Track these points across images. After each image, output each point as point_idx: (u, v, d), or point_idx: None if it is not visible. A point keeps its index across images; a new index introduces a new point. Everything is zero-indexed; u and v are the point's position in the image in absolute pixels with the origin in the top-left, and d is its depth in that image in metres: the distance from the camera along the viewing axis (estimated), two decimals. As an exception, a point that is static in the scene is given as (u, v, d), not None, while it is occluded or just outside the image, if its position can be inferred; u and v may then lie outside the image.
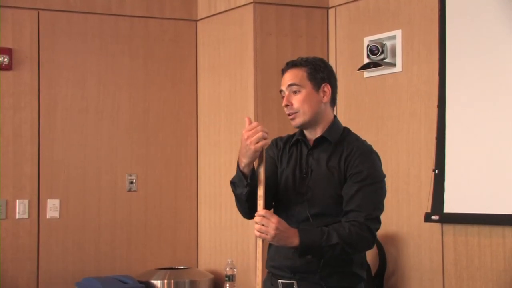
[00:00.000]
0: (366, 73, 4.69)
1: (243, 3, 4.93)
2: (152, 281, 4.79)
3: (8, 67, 4.86)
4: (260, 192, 2.64)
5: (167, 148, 5.23)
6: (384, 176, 2.78)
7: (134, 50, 5.19)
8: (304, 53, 4.92)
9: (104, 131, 5.09)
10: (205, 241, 5.22)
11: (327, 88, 2.79)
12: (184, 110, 5.29)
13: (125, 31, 5.17)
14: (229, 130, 5.03)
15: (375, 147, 2.85)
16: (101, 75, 5.11)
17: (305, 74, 2.77)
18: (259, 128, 2.62)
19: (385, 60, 4.54)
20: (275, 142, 2.92)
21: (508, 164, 3.84)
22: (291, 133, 2.94)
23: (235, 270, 4.67)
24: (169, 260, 5.18)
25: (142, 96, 5.20)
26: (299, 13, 4.96)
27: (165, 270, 4.93)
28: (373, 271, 4.47)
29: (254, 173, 2.66)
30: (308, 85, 2.76)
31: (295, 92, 2.76)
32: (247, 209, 2.75)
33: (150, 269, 5.01)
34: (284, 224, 2.59)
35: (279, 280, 2.78)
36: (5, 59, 4.84)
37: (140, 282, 4.77)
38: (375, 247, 4.46)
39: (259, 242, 2.62)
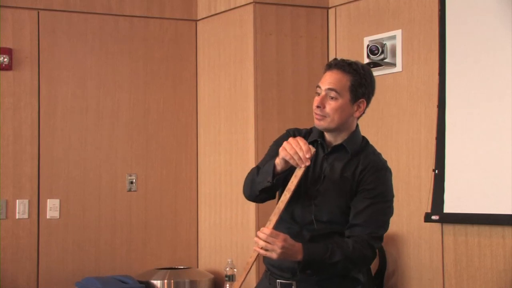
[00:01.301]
0: (366, 73, 4.69)
1: (243, 3, 4.92)
2: (152, 281, 4.79)
3: (8, 67, 4.86)
4: (292, 187, 2.59)
5: (167, 148, 5.23)
6: (393, 195, 2.79)
7: (134, 50, 5.19)
8: (304, 53, 4.93)
9: (104, 131, 5.09)
10: (205, 241, 5.22)
11: (362, 105, 2.76)
12: (184, 110, 5.29)
13: (125, 31, 5.17)
14: (229, 130, 5.03)
15: (375, 147, 2.85)
16: (101, 75, 5.11)
17: (348, 84, 2.70)
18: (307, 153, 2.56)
19: (385, 60, 4.54)
20: (292, 132, 2.85)
21: (508, 164, 3.85)
22: None
23: (235, 270, 4.66)
24: (169, 260, 5.18)
25: (142, 96, 5.20)
26: (299, 13, 4.96)
27: (165, 270, 4.92)
28: (373, 271, 4.47)
29: (282, 176, 2.62)
30: (347, 96, 2.70)
31: (331, 98, 2.70)
32: (254, 195, 2.72)
33: (150, 269, 5.01)
34: (290, 241, 2.56)
35: (277, 280, 2.78)
36: (5, 59, 4.84)
37: (140, 282, 4.77)
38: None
39: (254, 254, 2.60)
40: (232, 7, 5.02)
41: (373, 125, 4.62)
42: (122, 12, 5.16)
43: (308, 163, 2.57)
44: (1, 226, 4.81)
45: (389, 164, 4.37)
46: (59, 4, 5.01)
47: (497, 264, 3.94)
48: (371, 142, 2.86)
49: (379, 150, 2.86)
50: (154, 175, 5.19)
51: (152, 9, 5.24)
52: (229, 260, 4.71)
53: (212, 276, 4.96)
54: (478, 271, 4.03)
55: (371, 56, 4.55)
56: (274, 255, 2.54)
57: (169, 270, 4.92)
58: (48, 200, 4.92)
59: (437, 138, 4.21)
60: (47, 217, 4.91)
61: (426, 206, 4.23)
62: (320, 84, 2.72)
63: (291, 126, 2.88)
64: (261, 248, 2.54)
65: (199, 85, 5.31)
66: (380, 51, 4.52)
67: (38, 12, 4.97)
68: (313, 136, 2.81)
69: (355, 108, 2.74)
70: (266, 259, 2.82)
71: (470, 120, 4.08)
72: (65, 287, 4.88)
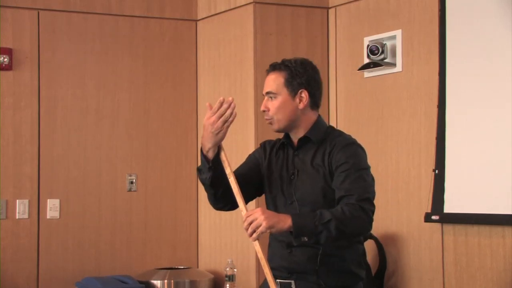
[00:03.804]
0: (366, 73, 4.69)
1: (243, 3, 4.92)
2: (152, 281, 4.79)
3: (8, 67, 4.86)
4: (228, 170, 2.70)
5: (167, 148, 5.23)
6: (368, 166, 2.80)
7: (134, 50, 5.19)
8: (304, 53, 4.93)
9: (104, 131, 5.09)
10: (205, 241, 5.22)
11: (304, 94, 2.81)
12: (184, 110, 5.29)
13: (125, 31, 5.17)
14: (229, 130, 5.00)
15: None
16: (101, 75, 5.11)
17: (282, 80, 2.80)
18: (225, 113, 2.68)
19: (385, 60, 4.54)
20: (264, 145, 2.97)
21: (508, 164, 3.85)
22: None
23: (235, 270, 4.66)
24: (169, 260, 5.18)
25: (142, 96, 5.20)
26: (299, 13, 4.96)
27: (165, 270, 4.92)
28: (373, 271, 4.47)
29: (218, 159, 2.71)
30: (284, 92, 2.80)
31: (271, 99, 2.81)
32: (213, 196, 2.80)
33: (150, 269, 5.01)
34: (269, 211, 2.64)
35: (277, 280, 2.77)
36: (5, 59, 4.84)
37: (140, 282, 4.77)
38: (375, 248, 4.46)
39: (257, 247, 2.62)
40: (232, 7, 5.02)
41: (373, 125, 4.62)
42: (122, 12, 5.16)
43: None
44: (1, 226, 4.81)
45: (389, 164, 4.38)
46: (59, 4, 5.01)
47: (497, 264, 3.94)
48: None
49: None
50: (154, 175, 5.19)
51: (152, 9, 5.24)
52: (229, 260, 4.70)
53: (212, 276, 4.97)
54: (478, 271, 4.03)
55: (371, 56, 4.55)
56: (263, 227, 2.55)
57: (169, 270, 4.92)
58: (48, 200, 4.92)
59: (437, 138, 4.21)
60: (47, 217, 4.91)
61: (426, 206, 4.22)
62: (263, 91, 2.85)
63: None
64: (251, 233, 2.58)
65: (199, 85, 5.32)
66: (380, 51, 4.52)
67: (38, 12, 4.97)
68: (281, 141, 2.91)
69: (298, 100, 2.81)
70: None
71: (470, 120, 4.08)
72: (65, 287, 4.88)
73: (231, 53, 5.04)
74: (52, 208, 4.92)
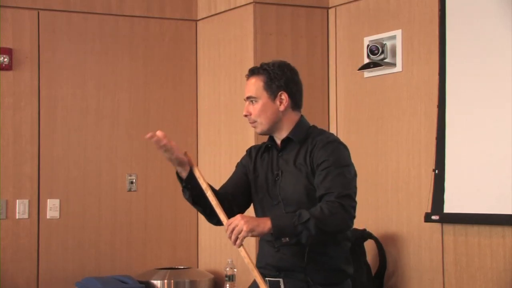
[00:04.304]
0: (366, 73, 4.69)
1: (243, 3, 4.93)
2: (152, 281, 4.79)
3: (8, 67, 4.86)
4: (204, 185, 2.77)
5: (167, 148, 5.22)
6: (350, 162, 2.81)
7: (134, 50, 5.19)
8: (304, 53, 4.94)
9: (104, 131, 5.09)
10: (205, 241, 5.22)
11: (284, 96, 2.85)
12: (184, 110, 5.29)
13: (125, 31, 5.17)
14: (229, 130, 5.03)
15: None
16: (101, 75, 5.11)
17: (261, 84, 2.86)
18: (159, 141, 2.88)
19: (385, 60, 4.54)
20: (249, 151, 3.02)
21: (508, 164, 3.85)
22: None
23: (235, 270, 4.66)
24: (169, 260, 5.18)
25: (142, 96, 5.20)
26: (299, 13, 4.96)
27: (165, 270, 4.92)
28: (373, 271, 4.47)
29: (192, 177, 2.79)
30: (264, 95, 2.86)
31: (252, 103, 2.88)
32: (203, 213, 2.89)
33: (150, 269, 5.01)
34: (248, 216, 2.67)
35: (266, 278, 2.81)
36: (5, 59, 4.84)
37: (140, 282, 4.77)
38: (375, 247, 4.46)
39: (242, 253, 2.65)
40: (232, 7, 5.02)
41: (373, 125, 4.62)
42: (122, 12, 5.16)
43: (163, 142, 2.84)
44: (1, 226, 4.81)
45: (389, 164, 4.37)
46: (59, 4, 5.01)
47: (497, 264, 3.94)
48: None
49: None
50: (154, 175, 5.19)
51: (152, 9, 5.24)
52: (229, 260, 4.70)
53: (212, 276, 4.97)
54: (478, 271, 4.03)
55: (371, 56, 4.55)
56: (244, 231, 2.59)
57: (169, 270, 4.92)
58: (48, 200, 4.92)
59: (437, 138, 4.21)
60: (47, 217, 4.91)
61: (426, 206, 4.22)
62: (244, 97, 2.91)
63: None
64: (234, 240, 2.62)
65: (199, 85, 5.32)
66: (380, 51, 4.52)
67: (38, 12, 4.97)
68: (266, 144, 2.95)
69: (278, 102, 2.86)
70: (256, 264, 2.86)
71: (470, 120, 4.08)
72: (65, 287, 4.88)
73: (231, 53, 5.04)
74: (52, 208, 4.92)
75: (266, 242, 2.85)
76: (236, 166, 3.04)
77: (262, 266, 2.83)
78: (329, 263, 2.78)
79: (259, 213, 2.90)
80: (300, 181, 2.78)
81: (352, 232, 4.48)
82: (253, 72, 2.90)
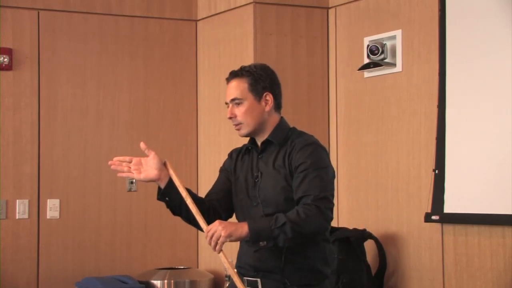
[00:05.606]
0: (366, 73, 4.69)
1: (243, 3, 4.93)
2: (152, 281, 4.79)
3: (8, 67, 4.86)
4: (184, 193, 2.80)
5: (167, 148, 5.22)
6: (328, 164, 2.82)
7: (134, 50, 5.19)
8: (304, 53, 4.94)
9: (104, 131, 5.09)
10: (205, 241, 5.17)
11: (269, 97, 2.87)
12: (184, 110, 5.29)
13: (125, 31, 5.17)
14: (229, 130, 5.01)
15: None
16: (101, 75, 5.11)
17: (246, 86, 2.86)
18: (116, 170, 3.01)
19: (385, 60, 4.54)
20: (231, 153, 3.04)
21: (508, 164, 3.85)
22: None
23: (235, 270, 4.66)
24: (169, 260, 5.18)
25: (142, 96, 5.20)
26: (299, 13, 4.96)
27: (165, 270, 4.93)
28: (373, 271, 4.47)
29: (171, 186, 2.83)
30: (250, 96, 2.85)
31: (237, 105, 2.86)
32: (188, 222, 2.96)
33: (150, 269, 5.01)
34: (226, 221, 2.72)
35: (244, 277, 2.86)
36: (5, 59, 4.84)
37: (140, 282, 4.77)
38: (375, 248, 4.47)
39: (223, 258, 2.70)
40: (232, 7, 5.02)
41: (373, 125, 4.62)
42: (122, 12, 5.16)
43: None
44: (1, 226, 4.81)
45: (389, 164, 4.37)
46: (59, 4, 5.01)
47: (497, 264, 3.94)
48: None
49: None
50: (154, 175, 5.18)
51: (152, 9, 5.24)
52: (229, 260, 4.70)
53: (212, 276, 4.97)
54: (478, 271, 4.03)
55: (371, 56, 4.55)
56: (223, 237, 2.63)
57: (169, 270, 4.93)
58: (48, 200, 4.92)
59: (437, 138, 4.21)
60: (47, 217, 4.91)
61: (426, 206, 4.23)
62: (226, 100, 2.90)
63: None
64: (214, 246, 2.67)
65: (199, 85, 5.32)
66: (380, 51, 4.52)
67: (38, 12, 4.97)
68: (246, 146, 2.97)
69: (263, 104, 2.87)
70: (236, 264, 2.94)
71: (470, 120, 4.08)
72: (65, 287, 4.88)
73: (231, 53, 5.04)
74: (52, 208, 4.93)
75: (245, 242, 2.86)
76: (220, 171, 3.06)
77: (241, 266, 2.90)
78: (306, 263, 2.80)
79: (239, 215, 2.93)
80: (279, 183, 2.80)
81: (352, 232, 4.50)
82: (235, 74, 2.90)
